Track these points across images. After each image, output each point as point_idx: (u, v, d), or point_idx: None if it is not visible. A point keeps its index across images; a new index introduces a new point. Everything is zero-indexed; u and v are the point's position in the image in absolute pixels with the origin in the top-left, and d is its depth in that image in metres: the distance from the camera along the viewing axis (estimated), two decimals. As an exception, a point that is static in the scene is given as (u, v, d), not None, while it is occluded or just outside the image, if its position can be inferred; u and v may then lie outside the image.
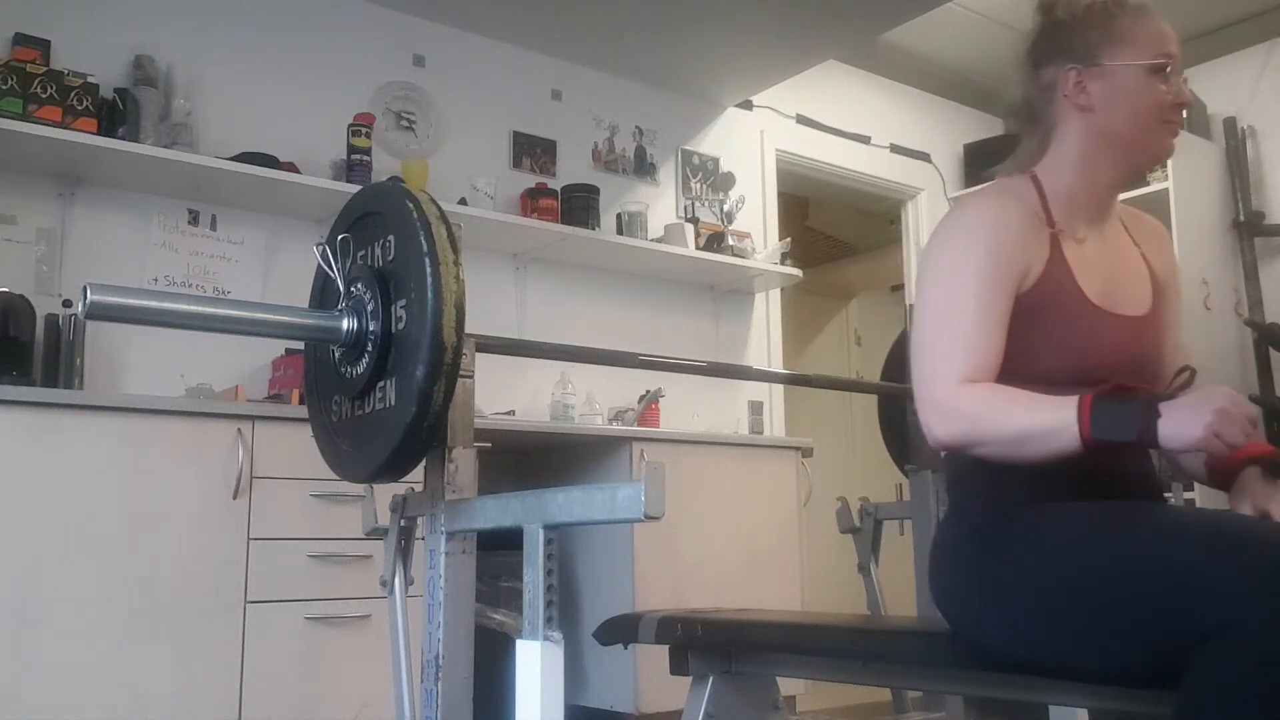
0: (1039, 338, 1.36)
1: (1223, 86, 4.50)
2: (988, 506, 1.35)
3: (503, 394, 3.51)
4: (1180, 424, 1.16)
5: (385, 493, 1.69)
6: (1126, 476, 1.36)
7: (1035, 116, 1.47)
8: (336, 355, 1.57)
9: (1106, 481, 1.31)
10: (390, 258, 1.49)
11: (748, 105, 4.54)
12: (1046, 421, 1.22)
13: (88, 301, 1.30)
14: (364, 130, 3.38)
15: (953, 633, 1.36)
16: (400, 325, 1.44)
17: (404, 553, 1.70)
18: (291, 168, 3.22)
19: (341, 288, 1.55)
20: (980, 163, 5.03)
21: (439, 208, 1.47)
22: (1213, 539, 1.12)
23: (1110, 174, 1.44)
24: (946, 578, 1.38)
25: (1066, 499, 1.29)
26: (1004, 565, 1.28)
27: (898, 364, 2.54)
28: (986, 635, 1.30)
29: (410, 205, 1.45)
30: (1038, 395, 1.26)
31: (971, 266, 1.34)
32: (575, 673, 3.18)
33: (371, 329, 1.48)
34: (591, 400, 3.72)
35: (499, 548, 2.76)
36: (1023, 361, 1.33)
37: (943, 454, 1.44)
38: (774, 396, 4.40)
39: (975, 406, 1.28)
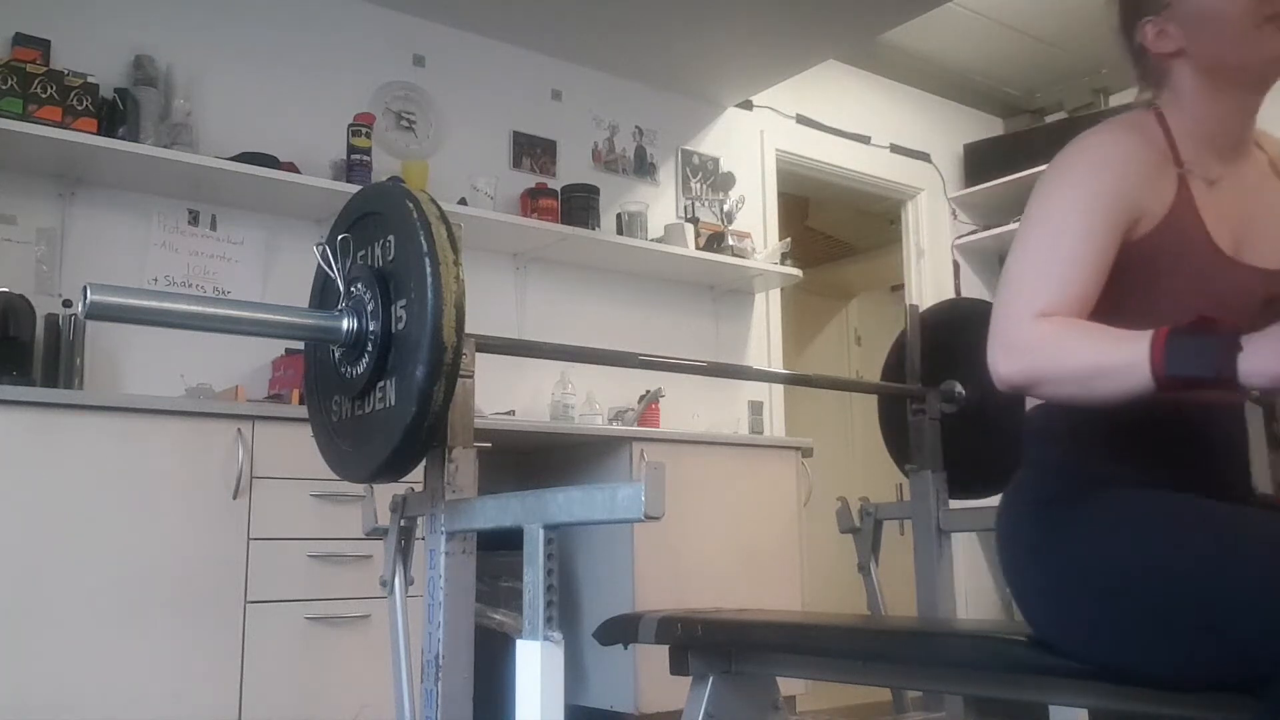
0: (1159, 290, 1.22)
1: (1223, 86, 4.49)
2: (1062, 477, 1.26)
3: (503, 394, 3.52)
4: (1264, 358, 1.00)
5: (385, 493, 1.69)
6: (1221, 462, 1.25)
7: (1149, 82, 1.36)
8: (336, 355, 1.57)
9: (1198, 460, 1.21)
10: (390, 258, 1.49)
11: (748, 105, 4.54)
12: (1117, 356, 1.08)
13: (88, 301, 1.30)
14: (364, 130, 3.38)
15: (953, 633, 1.36)
16: (400, 325, 1.44)
17: (404, 553, 1.70)
18: (291, 168, 3.22)
19: (341, 288, 1.55)
20: (980, 163, 5.03)
21: (439, 208, 1.47)
22: None
23: (1235, 102, 1.30)
24: (1006, 545, 1.30)
25: (1150, 473, 1.19)
26: (1073, 545, 1.19)
27: (898, 364, 2.54)
28: (1041, 618, 1.24)
29: (410, 205, 1.45)
30: (1116, 330, 1.12)
31: (1075, 202, 1.21)
32: (575, 673, 3.18)
33: (371, 329, 1.48)
34: (591, 400, 3.72)
35: (499, 548, 2.76)
36: (1139, 317, 1.14)
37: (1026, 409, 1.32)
38: (774, 396, 4.40)
39: (1042, 340, 1.16)
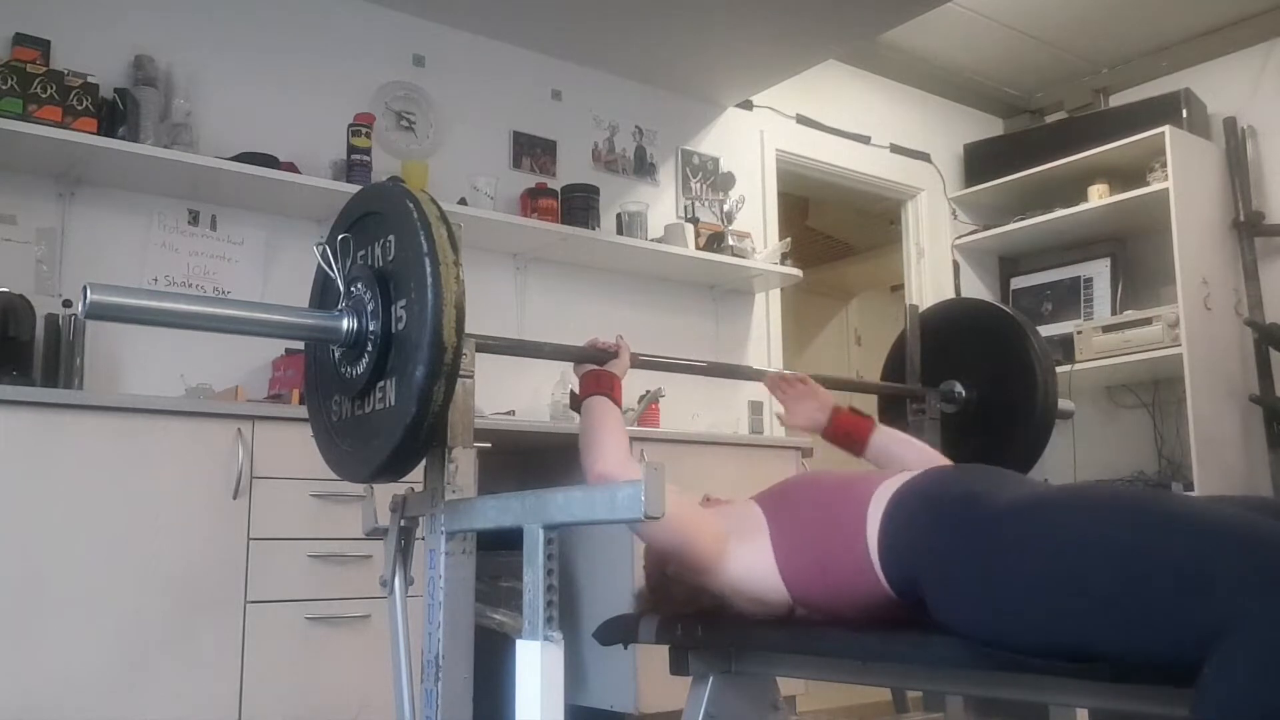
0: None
1: (1223, 86, 4.50)
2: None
3: (503, 394, 3.51)
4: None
5: (385, 493, 1.69)
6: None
7: None
8: (336, 355, 1.57)
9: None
10: (390, 258, 1.49)
11: (748, 105, 4.54)
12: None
13: (88, 301, 1.30)
14: (364, 130, 3.38)
15: (953, 633, 1.36)
16: (400, 325, 1.44)
17: (404, 553, 1.70)
18: (291, 168, 3.22)
19: (341, 288, 1.55)
20: (980, 163, 5.02)
21: (439, 208, 1.47)
22: (1215, 534, 1.13)
23: None
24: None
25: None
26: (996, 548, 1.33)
27: (898, 364, 2.54)
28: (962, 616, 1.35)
29: (410, 205, 1.45)
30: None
31: None
32: (575, 673, 3.18)
33: (371, 329, 1.48)
34: (591, 400, 3.71)
35: (499, 548, 2.76)
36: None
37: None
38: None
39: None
